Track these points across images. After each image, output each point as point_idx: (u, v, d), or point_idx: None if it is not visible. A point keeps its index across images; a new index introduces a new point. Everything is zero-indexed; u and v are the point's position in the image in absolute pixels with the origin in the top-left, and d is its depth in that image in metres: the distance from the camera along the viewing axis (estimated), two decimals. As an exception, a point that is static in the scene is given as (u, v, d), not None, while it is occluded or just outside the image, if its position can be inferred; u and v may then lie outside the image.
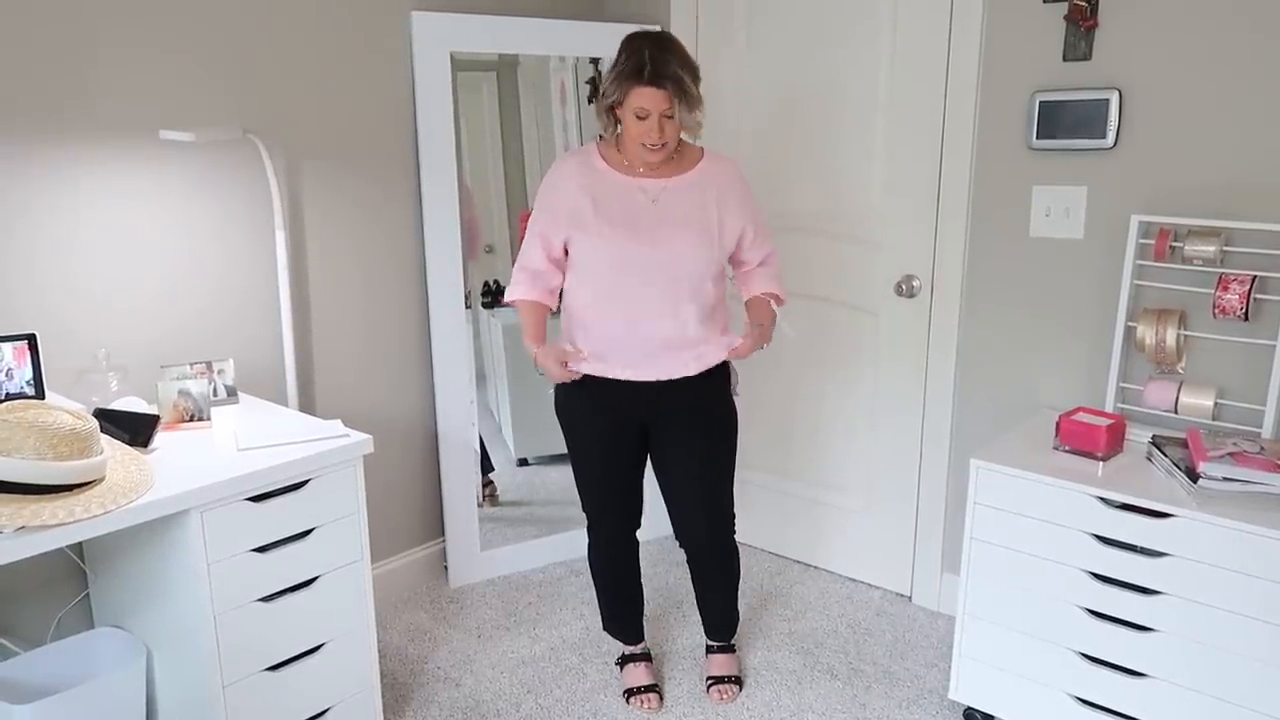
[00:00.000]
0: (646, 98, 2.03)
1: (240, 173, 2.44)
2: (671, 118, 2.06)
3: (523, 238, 2.24)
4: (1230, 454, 1.98)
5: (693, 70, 2.07)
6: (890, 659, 2.66)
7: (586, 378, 2.21)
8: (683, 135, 2.22)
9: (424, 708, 2.45)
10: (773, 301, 2.30)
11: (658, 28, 2.37)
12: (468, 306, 2.96)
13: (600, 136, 2.25)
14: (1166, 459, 2.08)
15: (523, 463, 3.29)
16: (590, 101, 2.30)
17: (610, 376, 2.20)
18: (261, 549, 1.94)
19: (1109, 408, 2.37)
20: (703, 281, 2.16)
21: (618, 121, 2.13)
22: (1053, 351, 2.54)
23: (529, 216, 2.25)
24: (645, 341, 2.15)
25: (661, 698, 2.48)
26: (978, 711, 2.32)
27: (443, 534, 3.08)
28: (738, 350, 2.22)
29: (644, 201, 2.14)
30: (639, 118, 2.06)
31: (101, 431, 1.81)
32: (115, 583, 2.12)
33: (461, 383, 2.96)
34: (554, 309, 2.25)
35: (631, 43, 2.07)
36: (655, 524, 2.74)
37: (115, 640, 2.12)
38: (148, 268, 2.30)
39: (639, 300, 2.13)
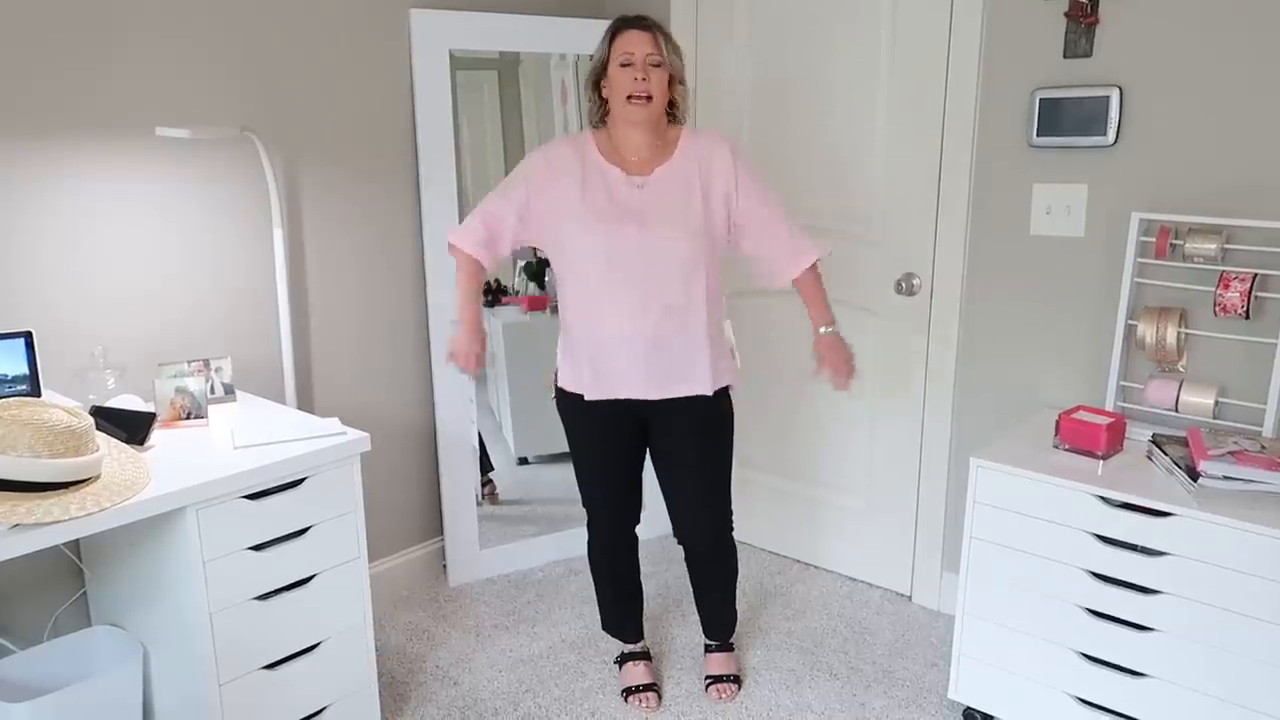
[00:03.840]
0: (631, 39, 2.08)
1: (238, 170, 2.43)
2: (658, 66, 2.08)
3: None
4: (1231, 453, 1.97)
5: (677, 44, 2.14)
6: (890, 658, 2.65)
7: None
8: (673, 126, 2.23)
9: (422, 706, 2.45)
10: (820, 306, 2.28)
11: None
12: (467, 305, 2.95)
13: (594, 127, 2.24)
14: (1167, 458, 2.07)
15: (523, 461, 3.29)
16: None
17: (611, 398, 2.20)
18: (258, 547, 1.93)
19: (1109, 406, 2.36)
20: (694, 272, 2.14)
21: (604, 104, 2.16)
22: (1053, 350, 2.53)
23: None
24: (640, 339, 2.14)
25: (660, 696, 2.48)
26: (977, 711, 2.32)
27: (441, 532, 3.08)
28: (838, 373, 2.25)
29: (630, 190, 2.14)
30: (624, 65, 2.08)
31: (98, 429, 1.81)
32: (112, 581, 2.12)
33: (461, 381, 2.95)
34: (487, 272, 2.22)
35: (616, 17, 2.17)
36: (655, 522, 2.73)
37: (112, 639, 2.12)
38: (145, 265, 2.30)
39: (630, 293, 2.12)
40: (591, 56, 2.18)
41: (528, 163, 2.22)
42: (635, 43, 2.08)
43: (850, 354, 2.26)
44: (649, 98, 2.08)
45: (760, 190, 2.21)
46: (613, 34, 2.12)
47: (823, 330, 2.26)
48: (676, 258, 2.12)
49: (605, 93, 2.14)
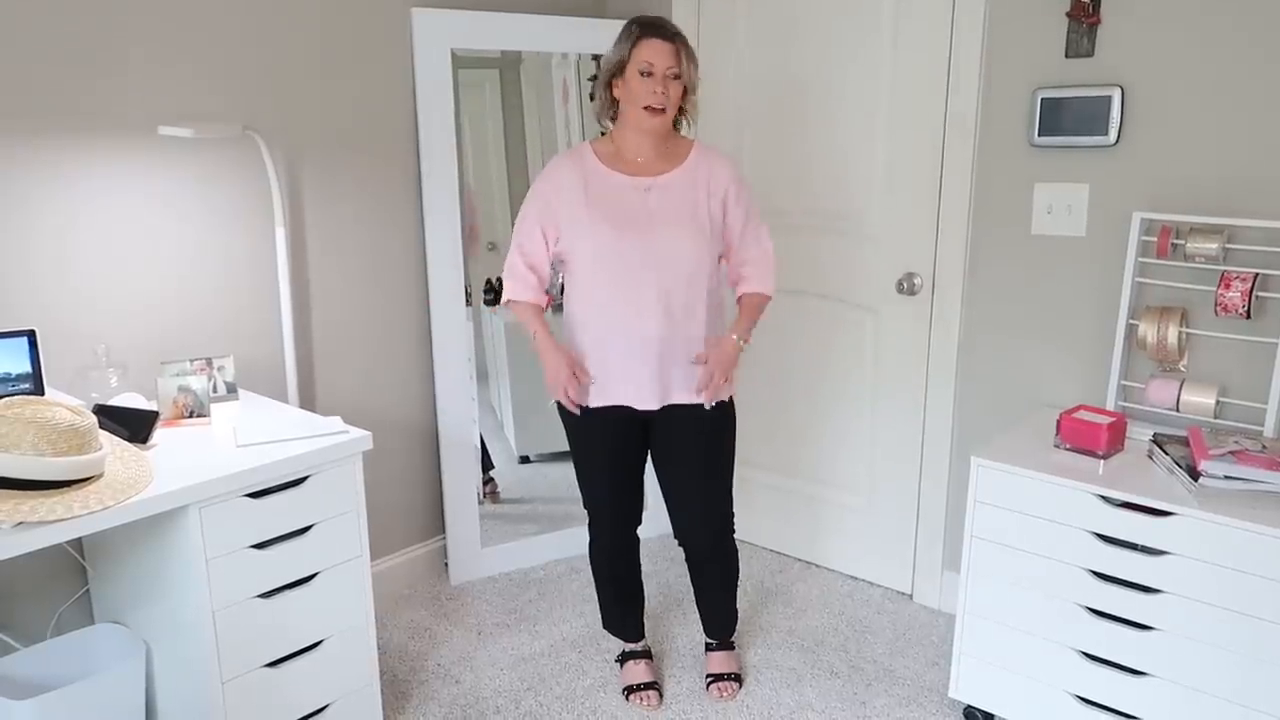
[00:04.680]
0: (654, 50, 2.06)
1: (240, 169, 2.44)
2: (677, 78, 2.08)
3: None
4: (1231, 452, 1.97)
5: (694, 53, 2.13)
6: (890, 657, 2.65)
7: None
8: (680, 132, 2.23)
9: (424, 704, 2.45)
10: (751, 311, 2.26)
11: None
12: (469, 304, 2.96)
13: (601, 133, 2.25)
14: (1168, 457, 2.07)
15: (524, 460, 3.29)
16: (593, 98, 2.30)
17: (615, 404, 2.21)
18: (261, 545, 1.94)
19: (1110, 406, 2.37)
20: (699, 275, 2.16)
21: (615, 103, 2.15)
22: (1054, 349, 2.54)
23: None
24: (646, 341, 2.15)
25: (661, 695, 2.48)
26: (978, 710, 2.32)
27: (443, 531, 3.08)
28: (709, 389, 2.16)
29: (637, 197, 2.15)
30: (644, 74, 2.07)
31: (101, 428, 1.81)
32: (115, 579, 2.13)
33: (462, 380, 2.96)
34: (546, 306, 2.25)
35: (635, 17, 2.14)
36: (656, 521, 2.74)
37: (115, 636, 2.12)
38: (147, 264, 2.30)
39: (636, 295, 2.13)
40: (599, 56, 2.18)
41: (532, 192, 2.22)
42: (657, 53, 2.06)
43: (733, 369, 2.19)
44: (664, 110, 2.09)
45: (748, 206, 2.24)
46: (635, 38, 2.08)
47: (733, 336, 2.20)
48: (683, 259, 2.13)
49: (617, 93, 2.13)
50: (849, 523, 3.08)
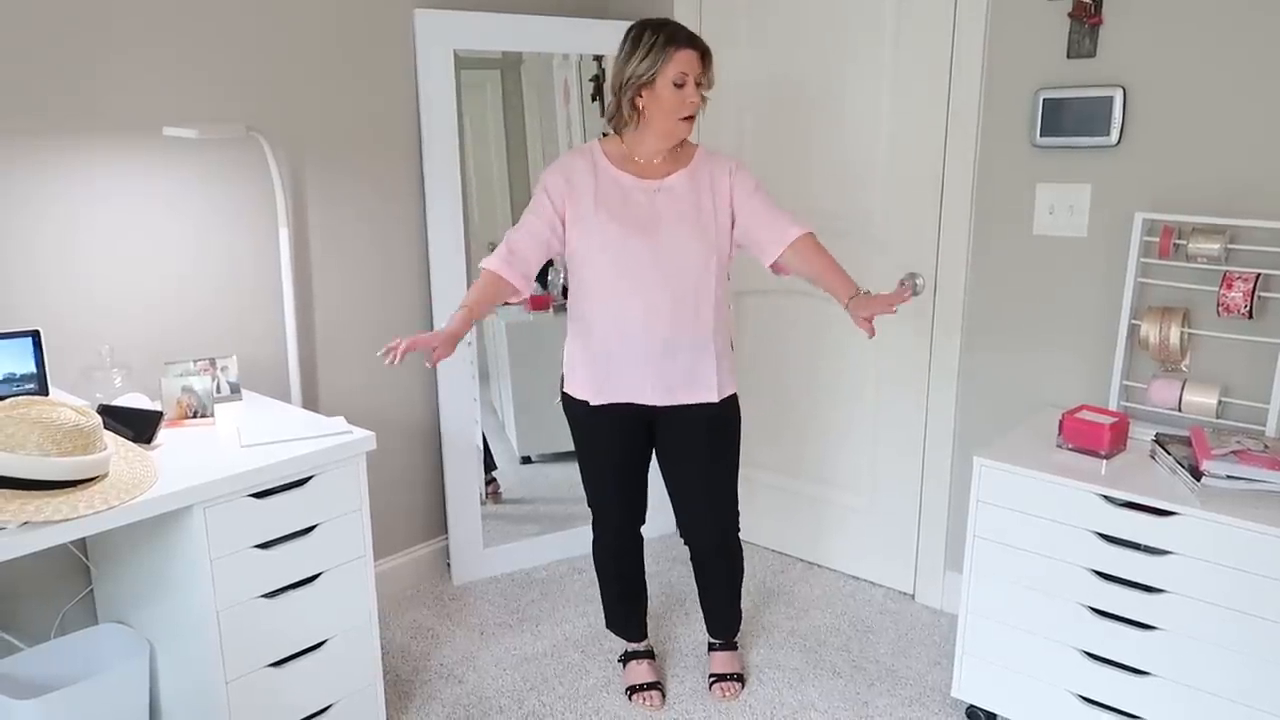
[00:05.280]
0: (687, 61, 2.07)
1: (244, 170, 2.44)
2: (700, 85, 2.10)
3: None
4: (1234, 452, 1.98)
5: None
6: (893, 657, 2.66)
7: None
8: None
9: (426, 704, 2.45)
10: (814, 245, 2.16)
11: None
12: (471, 304, 2.96)
13: (604, 134, 2.25)
14: (1170, 457, 2.07)
15: (526, 460, 3.29)
16: (594, 99, 2.29)
17: (621, 401, 2.21)
18: (264, 545, 1.94)
19: (1113, 406, 2.37)
20: (705, 276, 2.16)
21: (637, 111, 2.11)
22: (1056, 349, 2.54)
23: None
24: (652, 340, 2.15)
25: (664, 695, 2.48)
26: (981, 709, 2.32)
27: (446, 531, 3.08)
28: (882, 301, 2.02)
29: (645, 198, 2.15)
30: (678, 85, 2.07)
31: (105, 428, 1.81)
32: (119, 579, 2.13)
33: (464, 380, 2.96)
34: (520, 297, 2.16)
35: (648, 23, 2.11)
36: (659, 521, 2.74)
37: (119, 636, 2.12)
38: (151, 265, 2.31)
39: (643, 295, 2.13)
40: (600, 57, 2.18)
41: (543, 180, 2.20)
42: (689, 63, 2.07)
43: (885, 298, 2.03)
44: (694, 116, 2.12)
45: (753, 184, 2.21)
46: (667, 50, 2.05)
47: (849, 300, 2.08)
48: (689, 260, 2.13)
49: (641, 103, 2.09)
50: (851, 523, 3.08)
